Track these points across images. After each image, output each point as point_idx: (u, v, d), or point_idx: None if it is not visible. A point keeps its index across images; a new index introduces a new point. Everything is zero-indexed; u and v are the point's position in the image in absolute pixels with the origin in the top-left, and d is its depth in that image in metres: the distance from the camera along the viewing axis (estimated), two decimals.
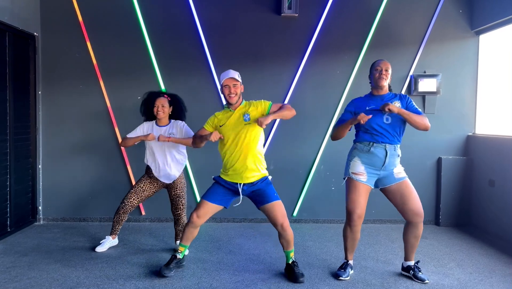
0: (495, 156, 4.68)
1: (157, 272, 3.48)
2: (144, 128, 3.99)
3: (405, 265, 3.56)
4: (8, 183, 4.52)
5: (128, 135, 3.98)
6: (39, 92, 5.03)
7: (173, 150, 3.93)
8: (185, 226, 3.46)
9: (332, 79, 5.15)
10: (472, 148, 5.11)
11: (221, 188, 3.43)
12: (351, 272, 3.54)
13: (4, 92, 4.43)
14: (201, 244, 4.32)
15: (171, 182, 3.99)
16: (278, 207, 3.34)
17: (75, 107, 5.06)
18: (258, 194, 3.38)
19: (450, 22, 5.16)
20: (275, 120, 5.08)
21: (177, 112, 4.04)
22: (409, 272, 3.50)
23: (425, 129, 3.29)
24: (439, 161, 5.17)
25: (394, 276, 3.54)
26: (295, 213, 5.21)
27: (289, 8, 4.96)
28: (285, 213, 3.37)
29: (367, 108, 3.37)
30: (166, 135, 3.89)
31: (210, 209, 3.39)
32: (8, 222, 4.54)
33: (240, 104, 3.40)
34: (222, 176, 3.44)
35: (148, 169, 4.02)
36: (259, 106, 3.36)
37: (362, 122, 3.22)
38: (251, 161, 3.32)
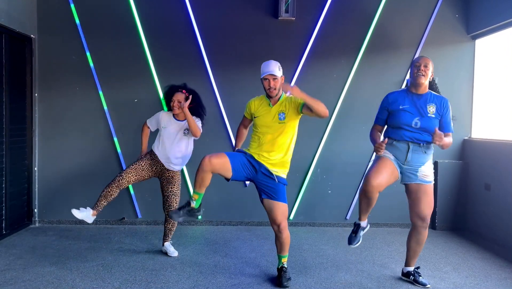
0: (491, 160, 4.69)
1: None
2: (158, 118, 4.00)
3: (405, 271, 3.55)
4: (3, 185, 4.49)
5: (147, 121, 4.06)
6: (36, 94, 5.01)
7: (183, 146, 3.92)
8: (197, 171, 3.16)
9: (329, 83, 5.17)
10: (468, 152, 5.13)
11: (245, 159, 3.29)
12: (363, 232, 3.52)
13: (0, 94, 4.42)
14: (197, 247, 4.31)
15: (168, 168, 3.95)
16: (282, 207, 3.31)
17: (71, 109, 5.05)
18: (269, 187, 3.30)
19: (447, 27, 5.19)
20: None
21: (195, 109, 3.98)
22: (409, 278, 3.49)
23: (447, 147, 3.28)
24: (435, 164, 5.18)
25: (391, 280, 3.54)
26: (291, 216, 5.20)
27: (286, 11, 4.98)
28: (286, 215, 3.35)
29: (400, 107, 3.28)
30: (183, 130, 3.92)
31: (225, 165, 3.16)
32: (3, 225, 4.52)
33: (279, 98, 3.35)
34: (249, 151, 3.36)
35: (151, 152, 3.99)
36: (294, 104, 3.30)
37: (378, 153, 3.24)
38: (278, 158, 3.31)
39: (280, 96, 3.36)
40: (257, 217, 5.12)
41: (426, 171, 3.28)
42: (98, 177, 5.07)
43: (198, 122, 3.92)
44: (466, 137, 5.21)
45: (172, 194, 3.99)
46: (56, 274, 3.51)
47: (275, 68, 3.27)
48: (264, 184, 3.32)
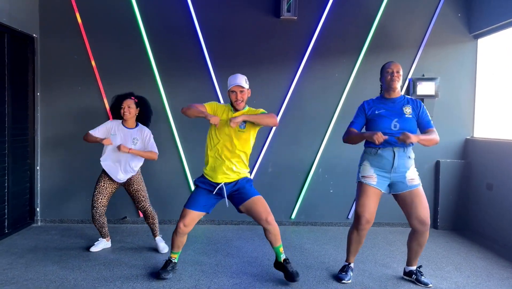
0: (493, 159, 4.69)
1: (155, 274, 3.47)
2: (108, 126, 4.01)
3: (407, 270, 3.56)
4: (6, 184, 4.51)
5: (90, 132, 3.99)
6: (38, 94, 5.02)
7: (129, 159, 3.96)
8: (173, 234, 3.41)
9: (330, 83, 5.16)
10: (470, 152, 5.12)
11: (203, 192, 3.40)
12: (352, 274, 3.53)
13: (2, 94, 4.43)
14: (199, 246, 4.32)
15: (124, 179, 4.01)
16: (259, 201, 3.31)
17: (73, 109, 5.06)
18: (238, 192, 3.36)
19: (449, 26, 5.18)
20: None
21: (144, 115, 4.09)
22: (412, 277, 3.50)
23: (435, 144, 3.27)
24: (437, 164, 5.18)
25: (393, 279, 3.54)
26: (293, 216, 5.20)
27: (288, 11, 4.97)
28: (268, 207, 3.32)
29: (376, 112, 3.31)
30: (130, 139, 3.94)
31: (196, 216, 3.37)
32: (6, 224, 4.53)
33: (243, 109, 3.39)
34: (205, 175, 3.43)
35: (103, 171, 4.05)
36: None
37: (377, 142, 3.13)
38: (236, 164, 3.35)
39: (244, 108, 3.41)
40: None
41: (412, 175, 3.32)
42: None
43: (151, 138, 4.02)
44: (468, 137, 5.20)
45: (135, 191, 4.06)
46: (58, 273, 3.52)
47: (242, 81, 3.32)
48: (233, 194, 3.39)
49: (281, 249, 3.42)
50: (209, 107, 3.38)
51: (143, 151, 3.94)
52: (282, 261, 3.42)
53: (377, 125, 3.28)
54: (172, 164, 5.12)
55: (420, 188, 3.33)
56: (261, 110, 3.40)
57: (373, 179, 3.30)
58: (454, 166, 5.12)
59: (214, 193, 3.38)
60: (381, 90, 3.47)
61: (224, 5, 5.09)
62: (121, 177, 3.97)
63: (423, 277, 3.45)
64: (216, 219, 5.14)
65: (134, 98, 4.02)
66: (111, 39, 5.05)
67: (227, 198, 3.40)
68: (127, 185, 4.07)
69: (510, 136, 4.62)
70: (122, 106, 3.95)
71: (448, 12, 5.16)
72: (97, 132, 3.98)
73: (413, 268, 3.52)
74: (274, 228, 3.31)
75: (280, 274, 3.53)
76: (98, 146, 5.05)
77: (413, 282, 3.47)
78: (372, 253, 4.20)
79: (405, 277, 3.57)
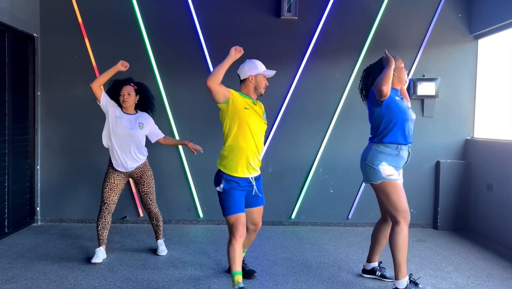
0: (493, 160, 4.68)
1: None
2: (114, 104, 3.80)
3: (368, 268, 3.52)
4: (6, 184, 4.51)
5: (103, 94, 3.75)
6: (38, 93, 5.03)
7: (135, 148, 3.82)
8: (229, 248, 3.00)
9: (331, 83, 5.16)
10: (471, 152, 5.12)
11: (238, 192, 3.09)
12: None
13: (3, 93, 4.43)
14: (199, 246, 4.32)
15: (131, 169, 3.86)
16: (261, 210, 3.33)
17: (74, 108, 5.06)
18: (255, 193, 3.21)
19: (449, 26, 5.17)
20: (274, 123, 5.09)
21: (144, 102, 3.94)
22: (375, 274, 3.49)
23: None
24: (437, 164, 5.17)
25: (393, 279, 3.53)
26: (293, 216, 5.20)
27: (289, 11, 4.97)
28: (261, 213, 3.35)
29: (396, 98, 3.19)
30: (135, 124, 3.80)
31: (243, 220, 3.05)
32: (6, 223, 4.53)
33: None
34: (232, 174, 3.08)
35: (110, 162, 3.91)
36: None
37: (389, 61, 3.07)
38: (258, 156, 3.20)
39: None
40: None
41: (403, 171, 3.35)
42: (100, 176, 5.06)
43: (153, 121, 3.95)
44: (468, 137, 5.20)
45: (144, 194, 3.95)
46: (58, 272, 3.52)
47: None
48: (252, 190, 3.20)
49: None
50: (232, 93, 3.14)
51: (168, 138, 4.05)
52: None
53: (399, 109, 3.13)
54: (172, 163, 5.12)
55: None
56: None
57: (396, 175, 3.16)
58: (454, 166, 5.11)
59: (249, 187, 3.16)
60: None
61: (224, 5, 5.09)
62: (130, 165, 3.83)
63: (387, 271, 3.45)
64: (216, 218, 5.14)
65: (134, 85, 3.86)
66: (112, 38, 5.05)
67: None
68: (136, 184, 3.98)
69: (510, 137, 4.62)
70: (121, 93, 3.78)
71: (448, 13, 5.16)
72: (105, 94, 3.77)
73: (376, 264, 3.50)
74: (256, 234, 3.38)
75: (280, 273, 3.54)
76: (98, 146, 5.05)
77: (412, 281, 3.31)
78: None
79: (365, 275, 3.53)
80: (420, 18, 5.17)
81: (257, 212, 3.29)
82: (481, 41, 5.17)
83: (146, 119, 3.92)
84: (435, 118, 5.14)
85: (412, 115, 3.24)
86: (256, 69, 3.25)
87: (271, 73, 3.30)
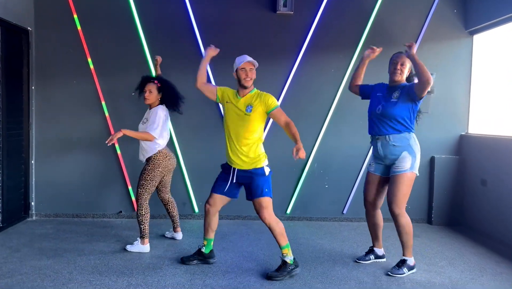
0: (487, 155, 4.71)
1: (180, 259, 3.68)
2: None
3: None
4: (0, 179, 4.49)
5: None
6: (32, 87, 4.99)
7: (141, 142, 3.92)
8: (204, 219, 3.60)
9: (326, 78, 5.16)
10: (465, 147, 5.14)
11: (223, 175, 3.51)
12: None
13: None
14: (195, 241, 4.32)
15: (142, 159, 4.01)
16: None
17: (68, 102, 5.03)
18: (249, 184, 3.41)
19: (445, 22, 5.18)
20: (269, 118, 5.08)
21: (168, 99, 3.98)
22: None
23: (427, 80, 3.27)
24: (432, 160, 5.20)
25: (387, 274, 3.56)
26: (288, 211, 5.22)
27: (285, 5, 4.96)
28: (266, 206, 3.44)
29: (374, 94, 3.60)
30: (144, 118, 3.97)
31: (218, 199, 3.51)
32: (1, 218, 4.52)
33: (250, 92, 3.40)
34: (226, 161, 3.53)
35: None
36: (264, 104, 3.36)
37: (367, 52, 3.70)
38: (245, 149, 3.37)
39: (251, 91, 3.42)
40: (254, 211, 5.11)
41: (400, 163, 3.43)
42: (96, 170, 5.07)
43: (153, 114, 3.84)
44: (463, 133, 5.22)
45: (138, 185, 3.93)
46: (53, 267, 3.52)
47: (252, 60, 3.38)
48: (244, 183, 3.48)
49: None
50: (218, 91, 3.52)
51: (136, 132, 3.78)
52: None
53: (369, 105, 3.63)
54: None
55: (402, 175, 3.42)
56: (275, 104, 3.41)
57: (372, 168, 3.66)
58: (448, 161, 5.14)
59: (231, 177, 3.45)
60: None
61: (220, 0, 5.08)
62: (140, 157, 4.00)
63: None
64: None
65: (157, 83, 3.92)
66: (107, 32, 5.02)
67: (244, 186, 3.48)
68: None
69: (504, 133, 4.65)
70: (144, 90, 3.90)
71: (444, 8, 5.16)
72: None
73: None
74: (274, 225, 3.48)
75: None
76: (92, 141, 5.04)
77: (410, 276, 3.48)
78: (367, 248, 4.21)
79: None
80: (415, 14, 5.17)
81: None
82: (476, 37, 5.19)
83: (153, 113, 3.87)
84: (429, 114, 5.15)
85: None
86: (235, 64, 3.44)
87: (241, 62, 3.38)
